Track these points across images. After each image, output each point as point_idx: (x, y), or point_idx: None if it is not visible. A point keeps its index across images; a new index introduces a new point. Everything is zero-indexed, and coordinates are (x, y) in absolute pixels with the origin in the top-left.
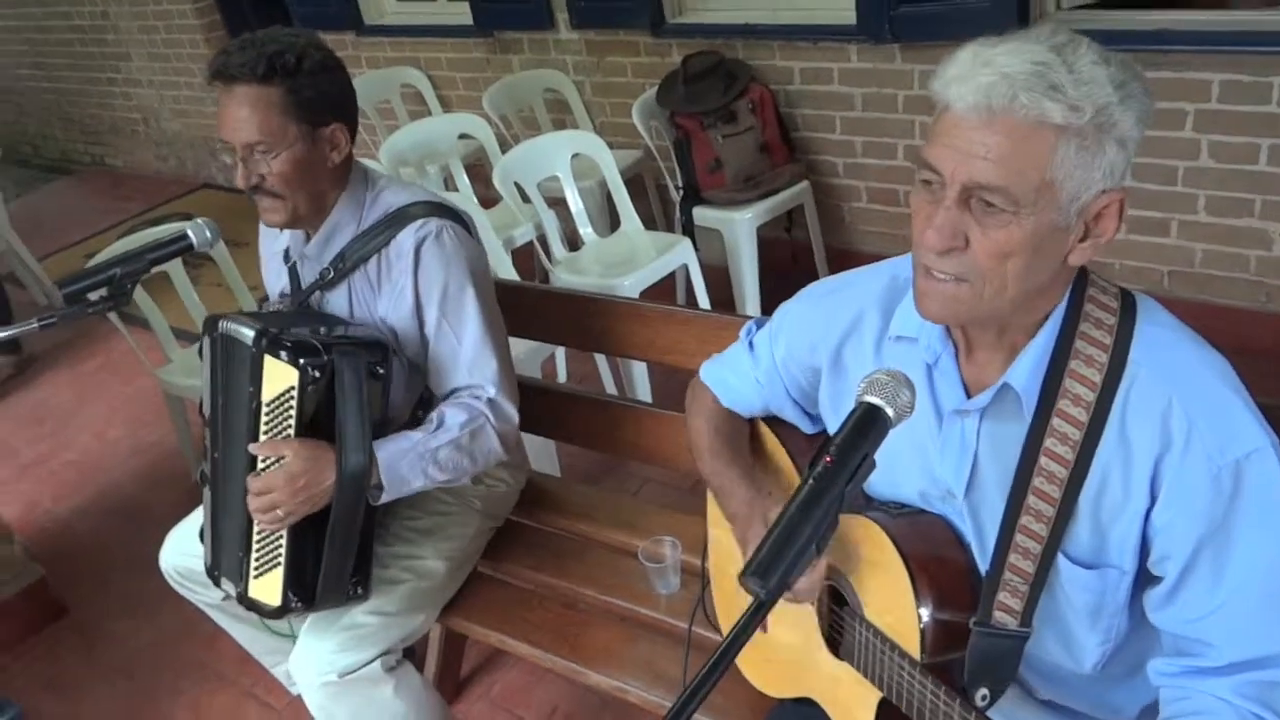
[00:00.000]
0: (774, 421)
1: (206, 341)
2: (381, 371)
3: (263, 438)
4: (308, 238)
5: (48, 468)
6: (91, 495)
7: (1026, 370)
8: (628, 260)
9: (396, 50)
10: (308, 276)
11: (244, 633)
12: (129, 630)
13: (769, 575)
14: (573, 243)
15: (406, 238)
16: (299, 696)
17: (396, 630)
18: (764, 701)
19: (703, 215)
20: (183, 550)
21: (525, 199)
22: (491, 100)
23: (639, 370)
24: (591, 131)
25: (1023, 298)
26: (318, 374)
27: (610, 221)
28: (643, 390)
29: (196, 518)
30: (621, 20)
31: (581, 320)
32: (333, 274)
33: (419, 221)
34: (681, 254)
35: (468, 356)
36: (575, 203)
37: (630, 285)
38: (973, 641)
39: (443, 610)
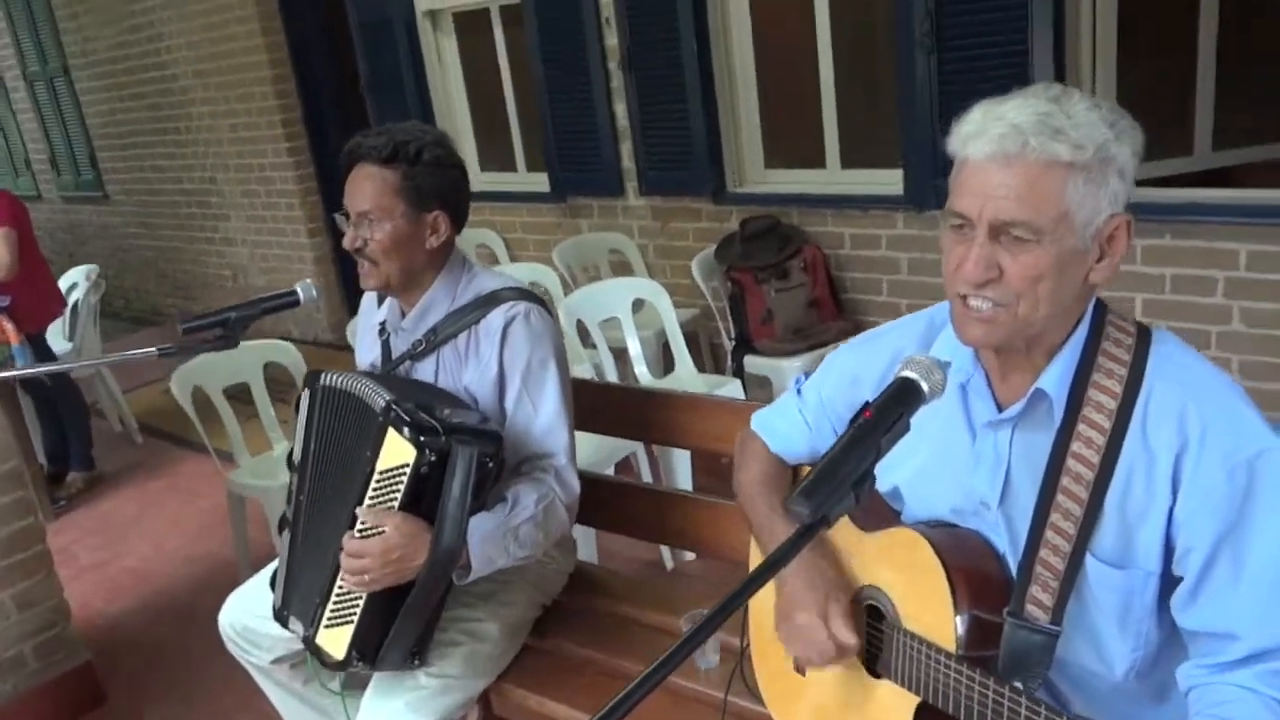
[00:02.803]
0: None
1: (309, 394)
2: (490, 465)
3: (367, 503)
4: (403, 314)
5: (105, 573)
6: (144, 597)
7: (1056, 377)
8: None
9: (475, 214)
10: (399, 348)
11: (286, 703)
12: (167, 716)
13: (814, 496)
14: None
15: (497, 317)
16: None
17: (459, 694)
18: None
19: (753, 363)
20: (245, 608)
21: (584, 342)
22: (560, 254)
23: (681, 461)
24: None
25: (1053, 315)
26: (434, 457)
27: (664, 367)
28: (684, 480)
29: (261, 579)
30: (686, 189)
31: (643, 414)
32: (424, 345)
33: (509, 304)
34: (732, 393)
35: (542, 426)
36: (634, 345)
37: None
38: (1006, 635)
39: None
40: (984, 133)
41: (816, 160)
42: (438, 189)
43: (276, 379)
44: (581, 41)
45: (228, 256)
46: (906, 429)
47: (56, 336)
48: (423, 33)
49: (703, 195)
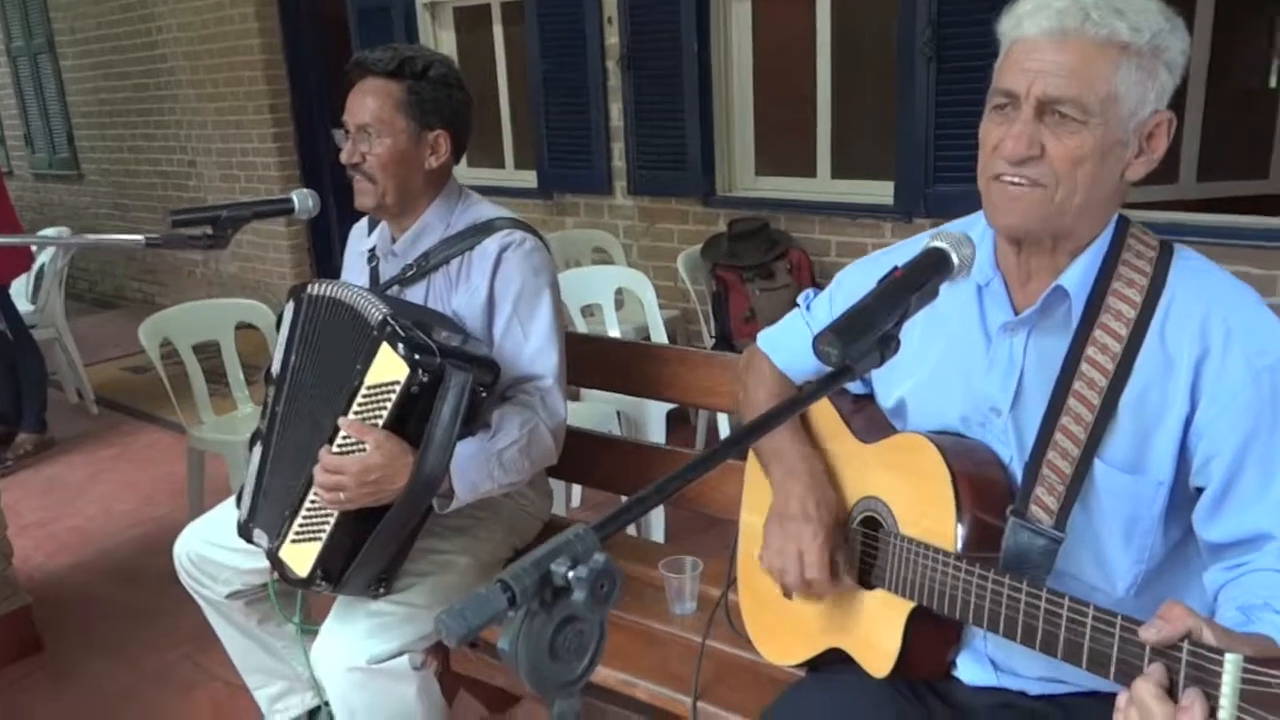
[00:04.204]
0: None
1: (294, 304)
2: (484, 394)
3: (353, 415)
4: (394, 239)
5: (48, 530)
6: (87, 555)
7: (1078, 276)
8: None
9: None
10: (387, 274)
11: (236, 642)
12: (103, 673)
13: (844, 335)
14: None
15: (492, 243)
16: None
17: (422, 625)
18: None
19: None
20: (203, 537)
21: None
22: None
23: (656, 416)
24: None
25: (1087, 206)
26: (426, 377)
27: None
28: (658, 435)
29: (220, 510)
30: (676, 190)
31: (625, 365)
32: (415, 270)
33: (505, 231)
34: None
35: (532, 349)
36: (615, 332)
37: (658, 406)
38: (1008, 536)
39: None
40: (1045, 7)
41: (807, 169)
42: (441, 108)
43: (245, 354)
44: (581, 39)
45: None
46: (935, 295)
47: (20, 298)
48: (422, 24)
49: (692, 198)
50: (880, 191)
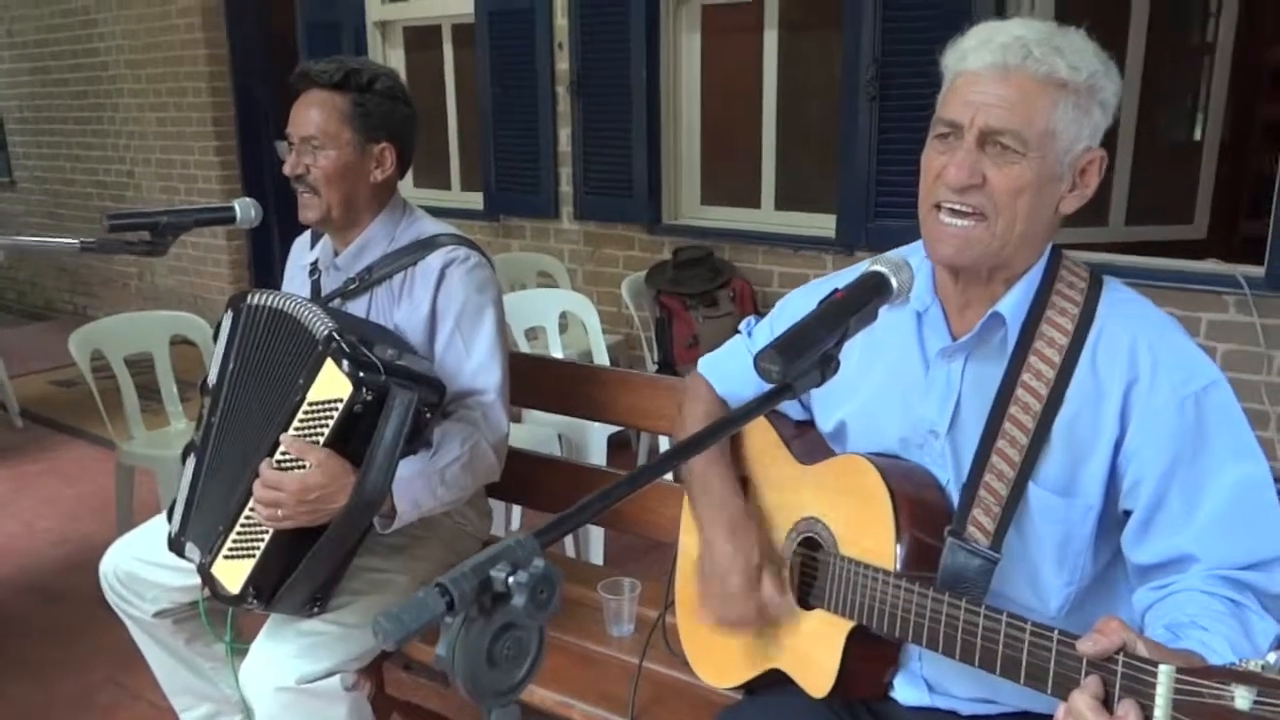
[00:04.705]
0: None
1: (233, 314)
2: (429, 416)
3: (292, 432)
4: (336, 253)
5: None
6: (7, 572)
7: (1013, 303)
8: None
9: None
10: (329, 287)
11: (163, 662)
12: (18, 694)
13: (785, 352)
14: None
15: (435, 259)
16: None
17: (355, 644)
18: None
19: None
20: (130, 554)
21: None
22: None
23: (597, 438)
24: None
25: (1025, 236)
26: (370, 396)
27: None
28: (598, 457)
29: (148, 527)
30: (622, 217)
31: (568, 386)
32: (358, 284)
33: (450, 247)
34: None
35: (474, 364)
36: (557, 354)
37: (599, 430)
38: (945, 556)
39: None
40: (988, 43)
41: (751, 200)
42: (387, 121)
43: (180, 370)
44: (532, 64)
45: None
46: (874, 317)
47: None
48: (371, 42)
49: (637, 224)
50: (823, 224)
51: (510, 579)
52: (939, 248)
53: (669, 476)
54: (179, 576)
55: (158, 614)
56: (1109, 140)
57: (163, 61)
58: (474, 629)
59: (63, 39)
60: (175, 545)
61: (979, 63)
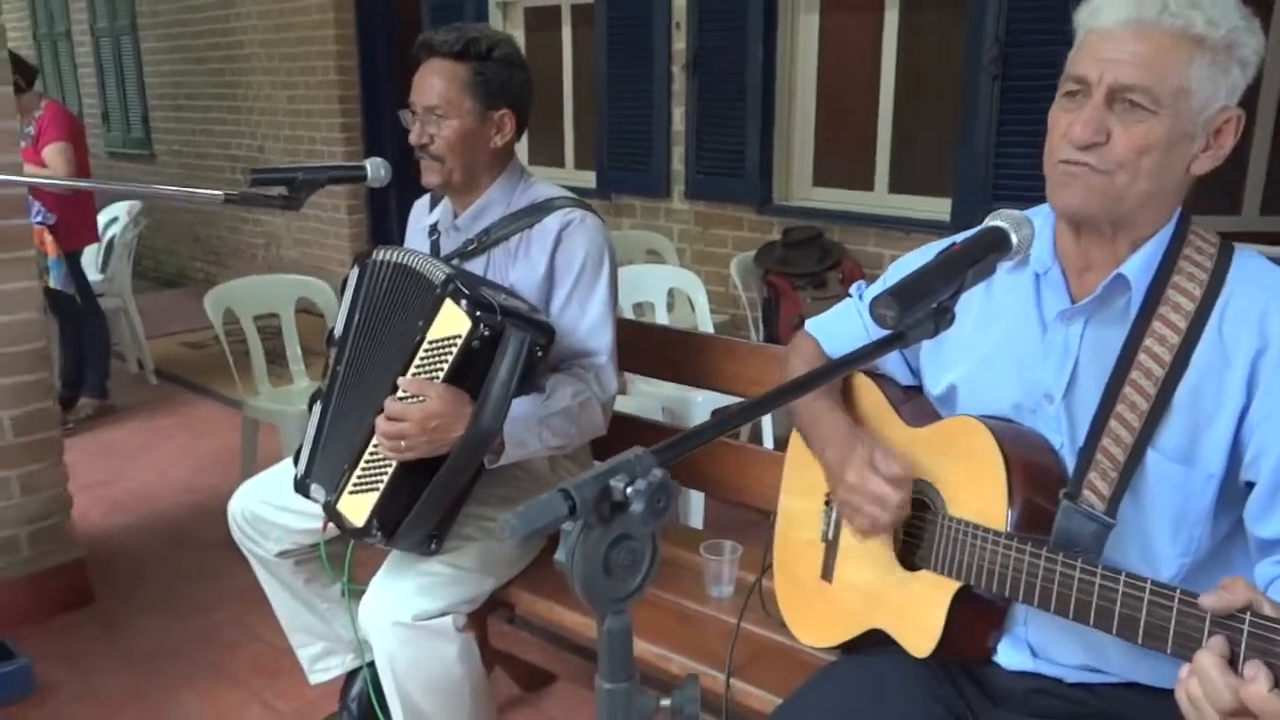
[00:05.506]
0: (871, 374)
1: (359, 270)
2: (540, 355)
3: (412, 372)
4: (456, 215)
5: (105, 491)
6: (141, 516)
7: (1139, 265)
8: None
9: None
10: (448, 248)
11: (283, 601)
12: (152, 626)
13: (901, 299)
14: None
15: (553, 221)
16: (314, 686)
17: (468, 587)
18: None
19: None
20: (257, 496)
21: None
22: None
23: (700, 409)
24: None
25: (1148, 195)
26: (487, 332)
27: None
28: None
29: (275, 470)
30: (732, 196)
31: (673, 353)
32: (476, 245)
33: (565, 210)
34: None
35: (588, 325)
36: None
37: (702, 402)
38: (1059, 519)
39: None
40: None
41: (864, 183)
42: (505, 87)
43: (303, 336)
44: (649, 42)
45: (264, 225)
46: (991, 271)
47: (90, 268)
48: (493, 22)
49: (748, 204)
50: (937, 208)
51: (629, 489)
52: (1061, 197)
53: (769, 444)
54: (301, 520)
55: (280, 554)
56: (1248, 108)
57: (294, 41)
58: (592, 536)
59: (202, 19)
60: (300, 487)
61: (1112, 18)
